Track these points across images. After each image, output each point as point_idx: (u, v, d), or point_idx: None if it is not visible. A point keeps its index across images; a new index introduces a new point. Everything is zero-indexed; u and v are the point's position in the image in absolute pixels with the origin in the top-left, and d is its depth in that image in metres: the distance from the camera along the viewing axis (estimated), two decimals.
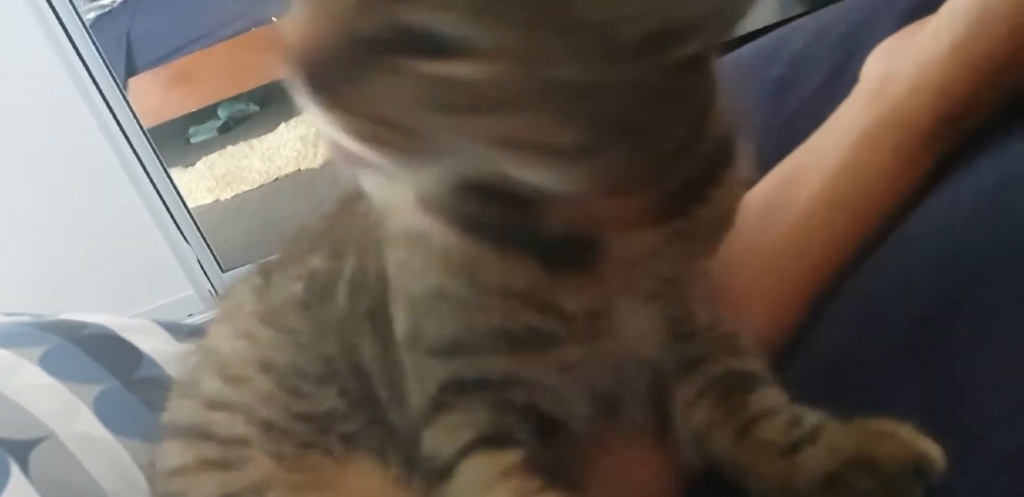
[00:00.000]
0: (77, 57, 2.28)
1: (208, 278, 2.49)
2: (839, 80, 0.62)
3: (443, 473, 0.44)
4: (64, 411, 0.58)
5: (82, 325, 0.67)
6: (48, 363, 0.61)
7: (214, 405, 0.51)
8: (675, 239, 0.44)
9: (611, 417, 0.47)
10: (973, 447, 0.38)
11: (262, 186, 3.16)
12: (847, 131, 0.54)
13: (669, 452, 0.47)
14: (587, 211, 0.41)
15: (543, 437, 0.46)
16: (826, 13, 0.71)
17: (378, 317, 0.47)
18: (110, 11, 3.73)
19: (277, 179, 3.14)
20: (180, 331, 0.70)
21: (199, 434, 0.51)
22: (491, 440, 0.44)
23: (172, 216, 2.44)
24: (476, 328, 0.43)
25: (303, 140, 3.26)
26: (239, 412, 0.50)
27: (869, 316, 0.49)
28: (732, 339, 0.48)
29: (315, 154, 3.14)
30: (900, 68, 0.53)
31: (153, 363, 0.65)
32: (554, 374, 0.45)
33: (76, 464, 0.55)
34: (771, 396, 0.46)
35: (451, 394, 0.45)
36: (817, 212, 0.52)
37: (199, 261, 2.48)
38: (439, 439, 0.45)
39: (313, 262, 0.52)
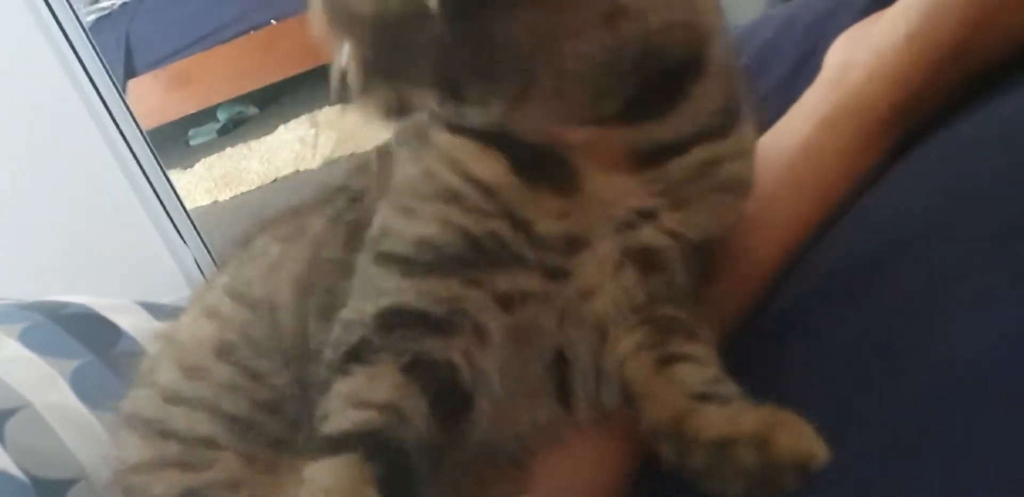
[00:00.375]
0: (76, 59, 2.28)
1: (205, 279, 2.50)
2: (805, 68, 0.63)
3: (315, 454, 0.43)
4: (40, 383, 0.60)
5: (64, 305, 0.69)
6: (27, 338, 0.63)
7: (172, 399, 0.51)
8: (648, 192, 0.45)
9: (540, 399, 0.48)
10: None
11: (260, 187, 3.18)
12: (809, 116, 0.55)
13: (617, 441, 0.48)
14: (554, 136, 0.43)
15: (442, 423, 0.45)
16: (796, 4, 0.73)
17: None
18: (110, 14, 3.77)
19: (275, 180, 3.17)
20: (161, 311, 0.71)
21: (159, 431, 0.51)
22: (372, 437, 0.43)
23: (170, 217, 2.44)
24: (444, 232, 0.44)
25: (302, 142, 3.29)
26: (201, 409, 0.50)
27: (814, 282, 0.50)
28: (686, 297, 0.49)
29: (313, 155, 3.16)
30: (859, 57, 0.55)
31: (132, 340, 0.66)
32: (500, 316, 0.45)
33: (51, 433, 0.57)
34: (705, 351, 0.47)
35: (379, 335, 0.44)
36: (781, 192, 0.54)
37: (197, 262, 2.49)
38: (331, 406, 0.44)
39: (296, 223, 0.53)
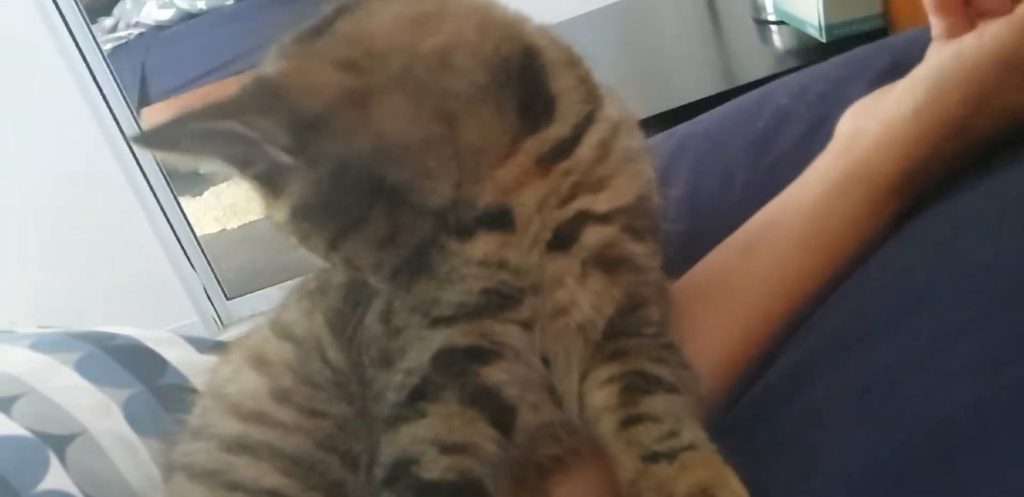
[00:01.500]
0: (94, 85, 2.33)
1: (213, 306, 2.53)
2: (817, 134, 0.68)
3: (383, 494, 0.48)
4: (96, 410, 0.63)
5: (113, 336, 0.72)
6: (82, 367, 0.67)
7: (235, 448, 0.54)
8: (566, 187, 0.50)
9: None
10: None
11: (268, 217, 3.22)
12: (819, 182, 0.60)
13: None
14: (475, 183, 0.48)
15: (504, 444, 0.49)
16: (808, 72, 0.78)
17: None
18: (126, 43, 3.84)
19: None
20: (203, 345, 0.75)
21: (224, 483, 0.53)
22: (464, 480, 0.47)
23: (180, 243, 2.48)
24: (472, 293, 0.49)
25: None
26: (265, 457, 0.53)
27: (823, 337, 0.54)
28: (660, 347, 0.53)
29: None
30: (868, 127, 0.60)
31: (177, 372, 0.70)
32: (524, 335, 0.50)
33: (106, 459, 0.60)
34: (665, 403, 0.50)
35: (439, 373, 0.49)
36: (791, 252, 0.58)
37: (205, 289, 2.52)
38: (415, 450, 0.48)
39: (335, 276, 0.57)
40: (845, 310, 0.54)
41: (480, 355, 0.50)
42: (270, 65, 0.48)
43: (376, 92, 0.46)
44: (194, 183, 3.65)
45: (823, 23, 1.15)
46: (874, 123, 0.60)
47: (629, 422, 0.49)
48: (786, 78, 0.79)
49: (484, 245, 0.49)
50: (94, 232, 2.39)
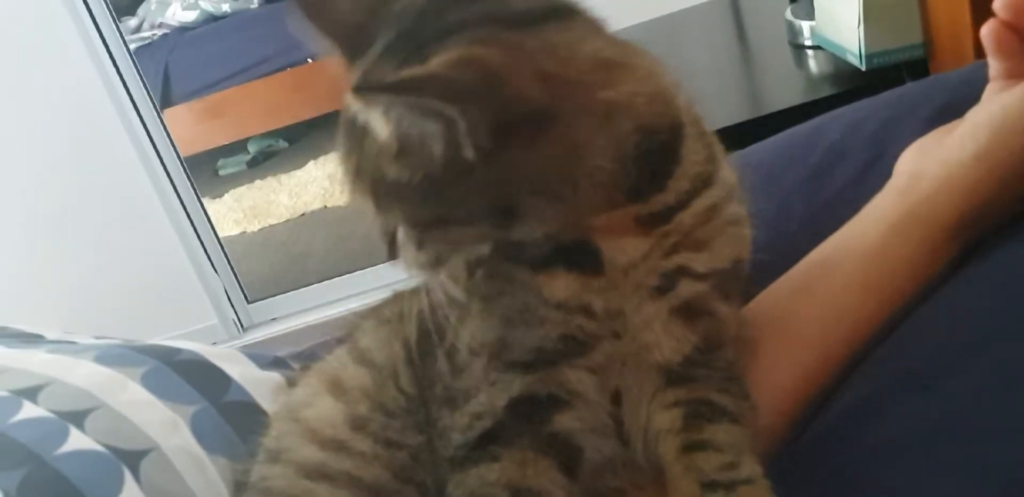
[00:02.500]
0: (121, 85, 2.35)
1: (234, 308, 2.55)
2: (871, 172, 0.69)
3: None
4: (165, 426, 0.65)
5: (176, 350, 0.74)
6: (148, 382, 0.68)
7: (314, 475, 0.55)
8: (667, 246, 0.51)
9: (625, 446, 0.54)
10: None
11: (288, 221, 3.25)
12: (878, 222, 0.61)
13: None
14: (573, 224, 0.49)
15: (568, 488, 0.51)
16: (860, 107, 0.79)
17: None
18: (150, 43, 3.87)
19: (303, 214, 3.23)
20: (263, 361, 0.77)
21: None
22: None
23: (203, 245, 2.50)
24: (551, 338, 0.50)
25: (331, 178, 3.35)
26: (343, 486, 0.54)
27: (887, 376, 0.56)
28: (726, 379, 0.54)
29: (341, 193, 3.20)
30: (929, 168, 0.61)
31: (241, 388, 0.72)
32: (594, 381, 0.52)
33: (177, 476, 0.62)
34: (727, 433, 0.52)
35: (515, 420, 0.50)
36: (849, 294, 0.60)
37: (226, 291, 2.54)
38: (487, 493, 0.49)
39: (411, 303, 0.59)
40: (909, 350, 0.55)
41: (556, 403, 0.51)
42: (475, 44, 0.45)
43: (553, 123, 0.46)
44: (214, 185, 3.68)
45: (863, 51, 1.16)
46: (935, 165, 0.61)
47: (691, 448, 0.51)
48: (837, 112, 0.80)
49: (565, 286, 0.50)
50: (117, 232, 2.41)
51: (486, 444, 0.50)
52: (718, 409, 0.53)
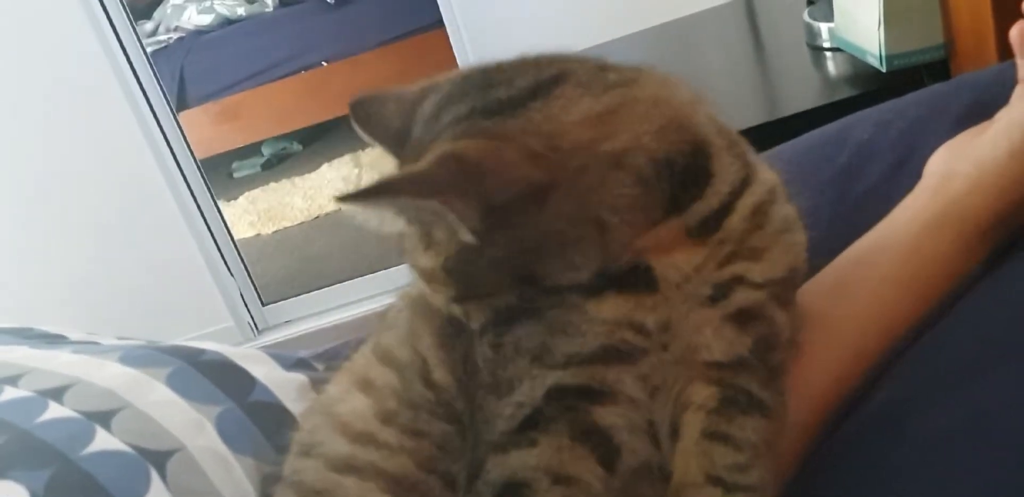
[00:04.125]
0: (138, 88, 2.36)
1: (249, 311, 2.55)
2: (902, 171, 0.69)
3: None
4: (191, 426, 0.65)
5: (200, 351, 0.74)
6: (174, 382, 0.68)
7: (342, 468, 0.55)
8: (722, 255, 0.51)
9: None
10: None
11: (303, 223, 3.26)
12: (911, 221, 0.61)
13: None
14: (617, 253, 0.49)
15: (606, 482, 0.51)
16: (887, 108, 0.79)
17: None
18: (166, 47, 3.89)
19: (318, 217, 3.24)
20: (287, 361, 0.76)
21: None
22: None
23: (219, 247, 2.50)
24: (588, 346, 0.51)
25: (345, 180, 3.37)
26: (369, 477, 0.54)
27: (921, 381, 0.55)
28: (773, 375, 0.54)
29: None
30: (961, 168, 0.61)
31: (265, 389, 0.71)
32: (638, 383, 0.52)
33: (203, 476, 0.62)
34: (756, 430, 0.51)
35: (551, 406, 0.50)
36: (885, 291, 0.59)
37: (241, 293, 2.54)
38: (527, 476, 0.49)
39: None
40: (947, 348, 0.55)
41: (592, 395, 0.51)
42: (460, 138, 0.48)
43: (554, 190, 0.47)
44: (228, 187, 3.70)
45: (883, 53, 1.16)
46: (967, 165, 0.61)
47: (713, 436, 0.51)
48: (864, 113, 0.80)
49: (614, 306, 0.50)
50: (133, 234, 2.42)
51: (526, 430, 0.50)
52: (755, 401, 0.52)
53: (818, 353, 0.59)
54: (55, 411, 0.64)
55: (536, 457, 0.49)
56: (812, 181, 0.74)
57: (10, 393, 0.67)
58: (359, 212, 0.48)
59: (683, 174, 0.49)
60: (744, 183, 0.51)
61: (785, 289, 0.54)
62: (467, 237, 0.47)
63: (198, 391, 0.68)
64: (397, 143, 0.53)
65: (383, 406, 0.56)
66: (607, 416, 0.51)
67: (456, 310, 0.53)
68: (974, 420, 0.48)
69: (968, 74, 0.81)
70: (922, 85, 1.17)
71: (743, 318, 0.52)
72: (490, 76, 0.51)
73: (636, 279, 0.50)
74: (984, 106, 0.70)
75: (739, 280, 0.51)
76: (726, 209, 0.51)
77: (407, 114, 0.53)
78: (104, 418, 0.63)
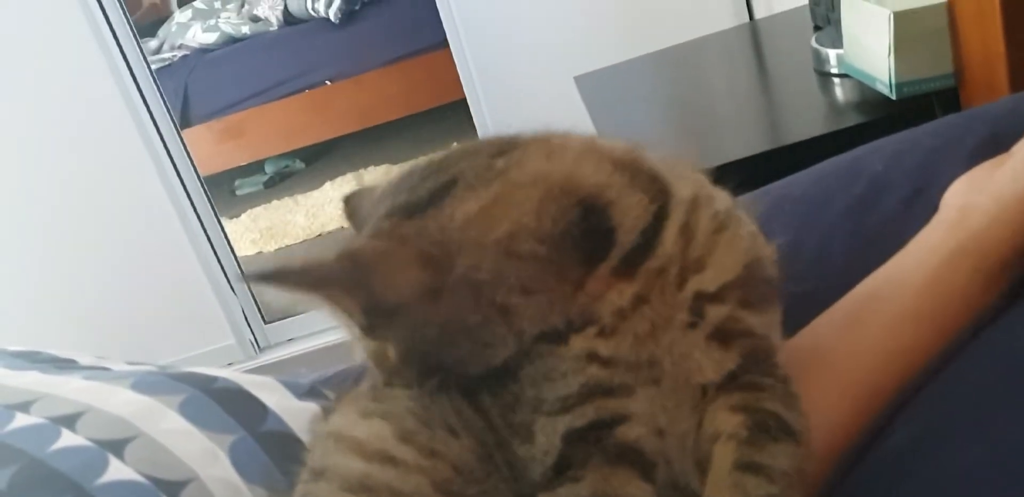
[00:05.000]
0: (143, 104, 2.37)
1: (251, 329, 2.55)
2: (917, 204, 0.69)
3: None
4: (205, 456, 0.64)
5: (212, 378, 0.73)
6: (186, 410, 0.68)
7: (355, 488, 0.54)
8: (666, 281, 0.50)
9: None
10: None
11: (305, 241, 3.26)
12: (930, 255, 0.61)
13: None
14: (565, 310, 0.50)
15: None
16: (901, 139, 0.79)
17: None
18: (170, 65, 3.91)
19: (320, 235, 3.24)
20: (298, 389, 0.76)
21: None
22: None
23: (221, 265, 2.50)
24: (572, 387, 0.50)
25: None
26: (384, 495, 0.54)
27: (942, 417, 0.55)
28: (791, 393, 0.53)
29: None
30: (980, 202, 0.61)
31: (278, 418, 0.71)
32: (646, 404, 0.51)
33: None
34: (787, 458, 0.50)
35: (577, 450, 0.50)
36: (903, 326, 0.59)
37: (243, 311, 2.54)
38: None
39: None
40: (965, 384, 0.55)
41: (608, 423, 0.51)
42: (364, 235, 0.51)
43: (447, 289, 0.48)
44: (231, 205, 3.70)
45: (893, 80, 1.16)
46: (986, 198, 0.61)
47: (746, 468, 0.50)
48: (877, 144, 0.80)
49: (574, 343, 0.50)
50: (136, 251, 2.42)
51: (564, 471, 0.50)
52: (784, 426, 0.51)
53: (832, 388, 0.58)
54: (68, 439, 0.63)
55: (588, 489, 0.49)
56: (825, 213, 0.74)
57: (22, 420, 0.66)
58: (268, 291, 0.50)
59: (584, 234, 0.49)
60: (660, 212, 0.51)
61: (749, 289, 0.52)
62: (354, 331, 0.50)
63: (211, 420, 0.68)
64: None
65: (401, 426, 0.55)
66: (630, 431, 0.51)
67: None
68: (996, 459, 0.48)
69: (983, 106, 0.81)
70: (932, 113, 1.18)
71: (723, 335, 0.51)
72: (404, 179, 0.53)
73: (583, 320, 0.50)
74: (999, 138, 0.70)
75: (701, 296, 0.51)
76: (649, 241, 0.50)
77: (370, 210, 0.55)
78: (117, 447, 0.63)
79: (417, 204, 0.50)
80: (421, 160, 0.55)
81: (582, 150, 0.52)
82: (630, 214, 0.50)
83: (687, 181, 0.53)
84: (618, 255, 0.50)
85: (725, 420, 0.51)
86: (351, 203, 0.57)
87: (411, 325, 0.49)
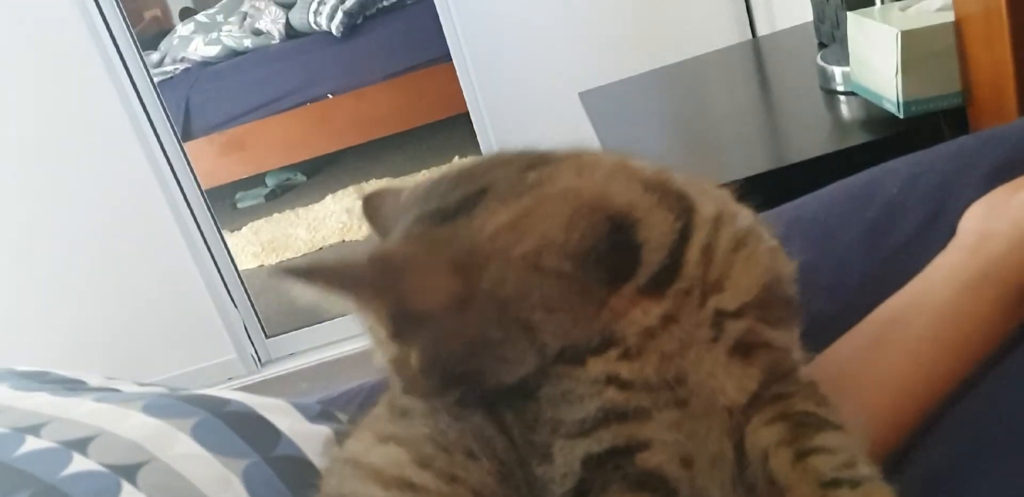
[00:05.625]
0: (145, 117, 2.37)
1: (252, 343, 2.54)
2: (933, 228, 0.69)
3: None
4: (218, 482, 0.64)
5: (225, 401, 0.73)
6: (199, 434, 0.67)
7: None
8: (692, 301, 0.50)
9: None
10: None
11: (307, 255, 3.25)
12: (949, 280, 0.60)
13: None
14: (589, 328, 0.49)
15: None
16: (915, 161, 0.79)
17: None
18: (172, 78, 3.91)
19: (322, 248, 3.24)
20: (310, 411, 0.75)
21: None
22: None
23: (223, 279, 2.50)
24: (590, 411, 0.50)
25: (349, 212, 3.37)
26: None
27: (966, 445, 0.54)
28: (820, 394, 0.53)
29: (360, 227, 3.21)
30: (999, 227, 0.61)
31: (290, 442, 0.70)
32: (667, 430, 0.51)
33: None
34: (837, 438, 0.50)
35: (597, 475, 0.50)
36: (924, 350, 0.59)
37: (245, 326, 2.53)
38: None
39: None
40: (989, 414, 0.55)
41: (627, 449, 0.50)
42: (395, 238, 0.50)
43: (474, 300, 0.48)
44: (232, 218, 3.69)
45: (901, 99, 1.16)
46: (1005, 224, 0.61)
47: (804, 454, 0.50)
48: (890, 165, 0.80)
49: (592, 366, 0.50)
50: (137, 265, 2.41)
51: (584, 495, 0.50)
52: (822, 419, 0.51)
53: (852, 416, 0.58)
54: (80, 464, 0.63)
55: None
56: (839, 237, 0.74)
57: (33, 443, 0.66)
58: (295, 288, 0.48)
59: (610, 251, 0.49)
60: (685, 231, 0.50)
61: (768, 308, 0.52)
62: (381, 336, 0.48)
63: (224, 444, 0.67)
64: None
65: (419, 450, 0.55)
66: (651, 458, 0.50)
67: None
68: (1021, 487, 0.48)
69: (997, 128, 0.81)
70: (939, 132, 1.17)
71: (744, 349, 0.51)
72: (433, 186, 0.53)
73: (602, 340, 0.50)
74: (1016, 162, 0.70)
75: (722, 313, 0.51)
76: (675, 261, 0.50)
77: (396, 213, 0.55)
78: (130, 472, 0.62)
79: (448, 211, 0.50)
80: (451, 168, 0.54)
81: (613, 168, 0.52)
82: (656, 232, 0.50)
83: (710, 197, 0.53)
84: (645, 274, 0.49)
85: (766, 435, 0.51)
86: (371, 204, 0.57)
87: (437, 334, 0.49)
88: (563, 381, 0.50)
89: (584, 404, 0.50)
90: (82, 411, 0.70)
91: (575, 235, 0.49)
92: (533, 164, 0.52)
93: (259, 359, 2.55)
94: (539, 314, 0.48)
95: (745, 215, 0.54)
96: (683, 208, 0.51)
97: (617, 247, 0.49)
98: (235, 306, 2.52)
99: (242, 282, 2.56)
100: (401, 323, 0.48)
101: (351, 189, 3.61)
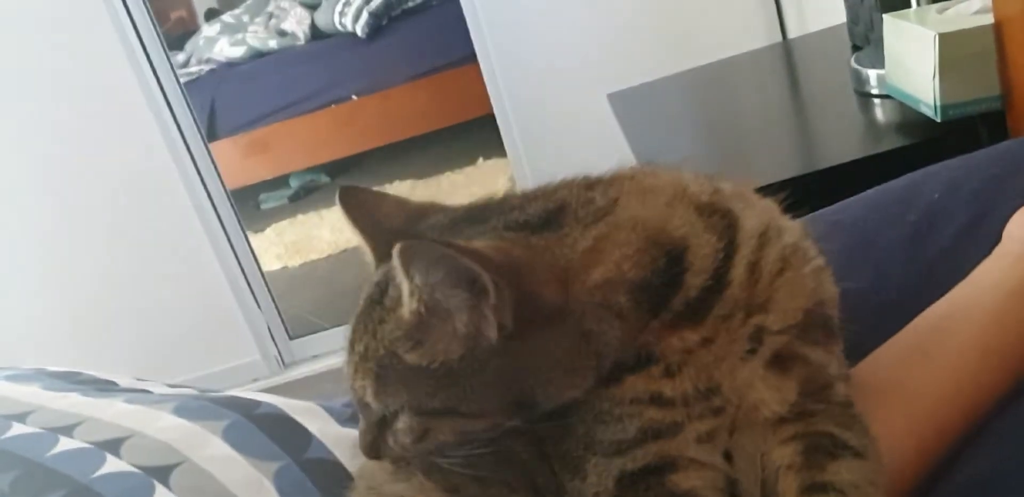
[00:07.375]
0: (171, 118, 2.38)
1: (276, 345, 2.54)
2: (977, 232, 0.68)
3: None
4: (251, 485, 0.63)
5: (256, 403, 0.72)
6: (230, 437, 0.67)
7: None
8: (733, 321, 0.50)
9: None
10: None
11: (330, 256, 3.26)
12: (995, 288, 0.59)
13: None
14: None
15: None
16: (956, 165, 0.78)
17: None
18: (197, 79, 3.93)
19: (346, 251, 3.24)
20: (340, 414, 0.75)
21: None
22: None
23: (247, 280, 2.50)
24: (628, 431, 0.50)
25: None
26: None
27: (1011, 454, 0.53)
28: (848, 415, 0.53)
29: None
30: None
31: (321, 445, 0.70)
32: (703, 447, 0.51)
33: None
34: (850, 471, 0.50)
35: (628, 492, 0.50)
36: (968, 358, 0.58)
37: (268, 327, 2.53)
38: None
39: None
40: None
41: (662, 469, 0.50)
42: (487, 243, 0.49)
43: (559, 315, 0.48)
44: (256, 219, 3.70)
45: (938, 102, 1.14)
46: None
47: (812, 490, 0.49)
48: (931, 169, 0.79)
49: (631, 385, 0.50)
50: (162, 265, 2.42)
51: None
52: (839, 442, 0.51)
53: (897, 423, 0.57)
54: (113, 465, 0.63)
55: None
56: (880, 242, 0.73)
57: (66, 444, 0.66)
58: (400, 272, 0.47)
59: (660, 285, 0.50)
60: (728, 249, 0.51)
61: (809, 329, 0.52)
62: (492, 332, 0.47)
63: (255, 447, 0.67)
64: (384, 240, 0.54)
65: (449, 482, 0.54)
66: (684, 481, 0.50)
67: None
68: None
69: None
70: (976, 136, 1.16)
71: (781, 361, 0.51)
72: (505, 201, 0.54)
73: (644, 360, 0.50)
74: None
75: (761, 330, 0.51)
76: (719, 282, 0.50)
77: (410, 219, 0.55)
78: (162, 474, 0.62)
79: (535, 223, 0.51)
80: (496, 194, 0.55)
81: (673, 195, 0.52)
82: (700, 254, 0.50)
83: (756, 210, 0.53)
84: (683, 299, 0.50)
85: (780, 454, 0.51)
86: (353, 197, 0.57)
87: (525, 340, 0.48)
88: (597, 403, 0.50)
89: (624, 424, 0.50)
90: (114, 412, 0.70)
91: (641, 268, 0.49)
92: (590, 183, 0.53)
93: (283, 360, 2.55)
94: (599, 329, 0.48)
95: (792, 230, 0.54)
96: (726, 225, 0.52)
97: (667, 276, 0.50)
98: (259, 307, 2.52)
99: (266, 283, 2.57)
100: (516, 321, 0.47)
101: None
